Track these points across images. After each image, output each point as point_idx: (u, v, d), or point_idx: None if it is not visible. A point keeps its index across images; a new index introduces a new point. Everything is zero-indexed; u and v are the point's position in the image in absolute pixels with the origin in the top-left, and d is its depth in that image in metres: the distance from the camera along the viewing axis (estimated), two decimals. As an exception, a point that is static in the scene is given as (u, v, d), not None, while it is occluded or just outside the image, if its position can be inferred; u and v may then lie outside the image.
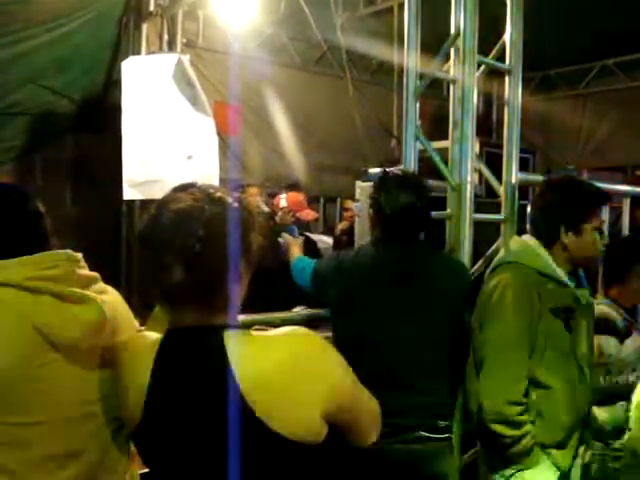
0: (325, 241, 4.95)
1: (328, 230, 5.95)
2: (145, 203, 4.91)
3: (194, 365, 1.24)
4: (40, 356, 1.38)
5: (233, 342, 1.22)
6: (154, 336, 1.34)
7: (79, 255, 1.51)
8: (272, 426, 1.18)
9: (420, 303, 2.17)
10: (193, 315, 1.25)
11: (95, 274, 1.53)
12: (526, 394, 2.02)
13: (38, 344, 1.37)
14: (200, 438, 1.22)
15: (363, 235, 3.80)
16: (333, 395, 1.27)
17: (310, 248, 3.98)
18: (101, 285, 1.54)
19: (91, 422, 1.48)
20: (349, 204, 5.54)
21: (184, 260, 1.19)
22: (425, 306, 2.18)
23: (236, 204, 1.29)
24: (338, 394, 1.29)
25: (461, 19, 2.62)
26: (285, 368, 1.21)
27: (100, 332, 1.44)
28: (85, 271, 1.50)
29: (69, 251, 1.48)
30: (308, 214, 4.29)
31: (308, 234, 4.42)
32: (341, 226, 5.54)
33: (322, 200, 6.40)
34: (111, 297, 1.54)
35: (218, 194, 1.29)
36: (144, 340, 1.36)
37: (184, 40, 5.20)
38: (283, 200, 4.18)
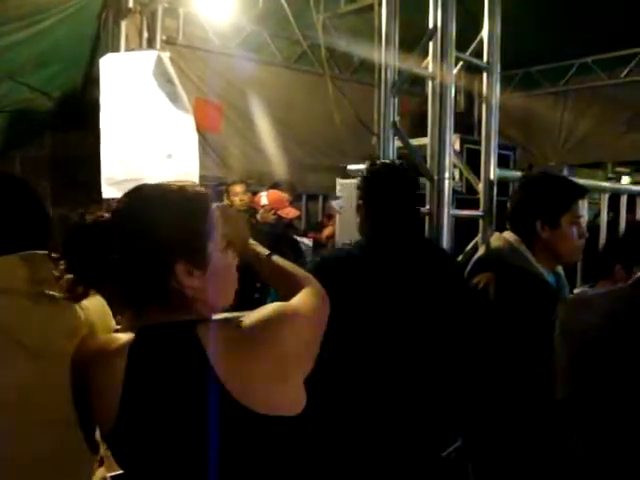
0: (306, 243, 4.95)
1: (310, 227, 5.94)
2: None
3: (170, 361, 1.23)
4: (10, 359, 1.36)
5: (208, 335, 1.23)
6: (125, 336, 1.34)
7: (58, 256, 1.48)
8: (257, 410, 1.21)
9: (411, 302, 2.14)
10: (162, 311, 1.27)
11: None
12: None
13: (7, 347, 1.35)
14: (181, 431, 1.22)
15: (345, 233, 3.80)
16: (311, 357, 1.34)
17: (291, 248, 3.98)
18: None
19: (60, 426, 1.45)
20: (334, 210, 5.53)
21: (156, 255, 1.22)
22: (416, 305, 2.15)
23: (204, 199, 1.31)
24: (313, 351, 1.35)
25: (439, 14, 2.63)
26: (262, 351, 1.23)
27: (76, 335, 1.42)
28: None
29: (52, 252, 1.46)
30: (289, 212, 4.28)
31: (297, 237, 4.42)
32: (327, 232, 5.52)
33: (304, 198, 6.39)
34: (91, 302, 1.51)
35: (190, 189, 1.31)
36: (114, 342, 1.35)
37: (164, 37, 5.15)
38: (264, 198, 4.18)
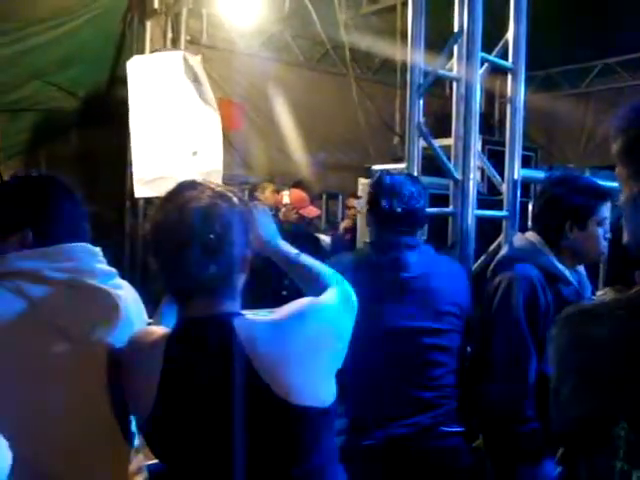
0: (324, 239, 4.99)
1: (330, 227, 5.97)
2: (150, 200, 4.94)
3: (208, 354, 1.27)
4: (52, 346, 1.40)
5: (245, 328, 1.27)
6: (161, 330, 1.38)
7: (98, 249, 1.53)
8: (291, 401, 1.25)
9: (420, 304, 2.17)
10: (203, 305, 1.31)
11: (112, 269, 1.56)
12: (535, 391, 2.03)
13: (48, 334, 1.39)
14: (216, 421, 1.26)
15: (365, 232, 3.83)
16: (340, 352, 1.39)
17: (313, 246, 4.02)
18: (118, 280, 1.56)
19: (97, 414, 1.50)
20: (352, 202, 5.56)
21: (207, 253, 1.26)
22: (426, 307, 2.18)
23: (238, 200, 1.36)
24: (343, 347, 1.40)
25: (465, 15, 2.64)
26: (295, 343, 1.29)
27: (112, 326, 1.47)
28: (103, 265, 1.53)
29: (88, 245, 1.51)
30: (311, 211, 4.32)
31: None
32: (344, 224, 5.56)
33: (324, 197, 6.42)
34: (127, 293, 1.56)
35: (224, 191, 1.36)
36: (152, 334, 1.39)
37: (188, 38, 5.21)
38: (286, 197, 4.22)
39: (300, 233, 3.93)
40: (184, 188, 1.34)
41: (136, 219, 5.25)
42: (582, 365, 1.04)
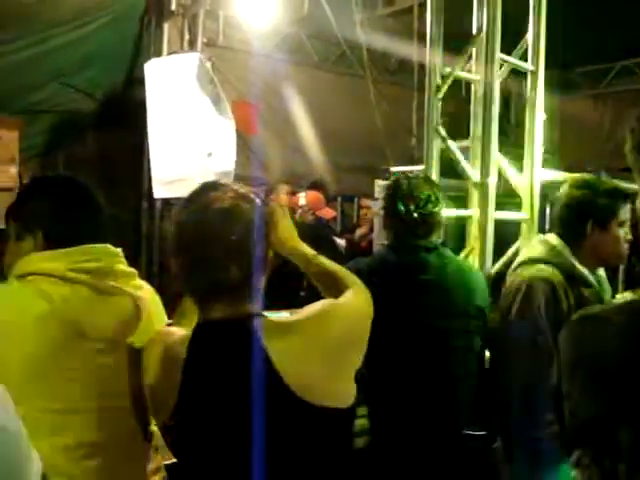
0: (339, 243, 4.99)
1: (345, 229, 5.96)
2: (167, 201, 4.96)
3: (229, 355, 1.27)
4: (73, 345, 1.41)
5: (266, 330, 1.27)
6: (182, 331, 1.38)
7: (119, 250, 1.54)
8: (312, 401, 1.24)
9: (437, 306, 2.17)
10: (224, 306, 1.30)
11: (133, 270, 1.57)
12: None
13: (72, 334, 1.40)
14: (237, 423, 1.25)
15: (382, 234, 3.82)
16: (359, 354, 1.38)
17: (329, 248, 4.01)
18: (138, 281, 1.57)
19: (117, 413, 1.51)
20: (366, 203, 5.55)
21: (229, 254, 1.26)
22: (442, 309, 2.17)
23: (259, 201, 1.37)
24: (362, 348, 1.40)
25: (484, 18, 2.63)
26: (315, 344, 1.29)
27: (133, 327, 1.47)
28: (123, 266, 1.54)
29: (109, 245, 1.52)
30: (327, 212, 4.32)
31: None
32: (359, 232, 5.54)
33: (340, 199, 6.41)
34: (146, 293, 1.57)
35: (246, 192, 1.36)
36: (173, 335, 1.39)
37: (204, 39, 5.23)
38: (302, 198, 4.22)
39: (316, 235, 3.93)
40: (207, 189, 1.35)
41: (152, 220, 5.28)
42: (587, 369, 1.05)
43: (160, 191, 4.37)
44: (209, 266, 1.28)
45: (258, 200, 1.37)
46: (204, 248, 1.28)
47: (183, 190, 4.11)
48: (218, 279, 1.28)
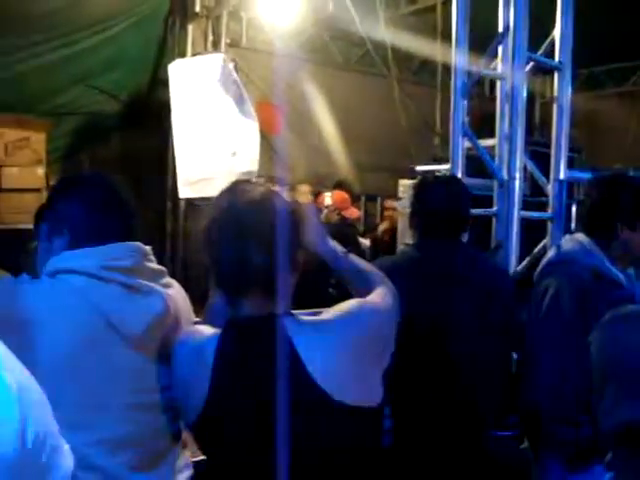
0: (363, 243, 4.98)
1: (369, 228, 5.96)
2: (191, 201, 5.00)
3: (258, 353, 1.28)
4: (104, 342, 1.42)
5: (295, 328, 1.27)
6: (211, 330, 1.39)
7: (148, 248, 1.55)
8: (342, 400, 1.24)
9: (463, 305, 2.15)
10: (254, 304, 1.31)
11: (162, 268, 1.58)
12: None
13: (103, 331, 1.42)
14: (268, 422, 1.26)
15: (406, 233, 3.81)
16: (387, 353, 1.39)
17: (354, 247, 4.01)
18: (168, 279, 1.58)
19: (146, 410, 1.52)
20: (390, 203, 5.54)
21: (261, 246, 1.26)
22: (468, 308, 2.16)
23: (290, 199, 1.38)
24: (390, 347, 1.40)
25: (510, 14, 2.61)
26: (345, 342, 1.28)
27: (163, 325, 1.49)
28: (153, 264, 1.55)
29: (139, 243, 1.53)
30: (352, 212, 4.32)
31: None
32: (382, 227, 5.54)
33: (363, 199, 6.41)
34: (176, 291, 1.58)
35: (277, 190, 1.37)
36: (202, 333, 1.40)
37: (228, 40, 5.26)
38: (328, 198, 4.22)
39: (341, 234, 3.92)
40: (238, 184, 1.36)
41: (177, 220, 5.32)
42: (622, 369, 1.05)
43: (185, 191, 4.41)
44: (240, 257, 1.28)
45: (288, 198, 1.38)
46: (236, 236, 1.28)
47: (207, 190, 4.17)
48: (249, 271, 1.28)
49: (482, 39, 2.77)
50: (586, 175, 3.00)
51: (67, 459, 0.89)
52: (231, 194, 1.34)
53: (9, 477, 0.76)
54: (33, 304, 1.39)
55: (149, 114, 5.21)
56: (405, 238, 3.78)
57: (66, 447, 0.90)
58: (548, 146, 3.03)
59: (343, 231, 4.05)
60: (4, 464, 0.75)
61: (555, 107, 2.82)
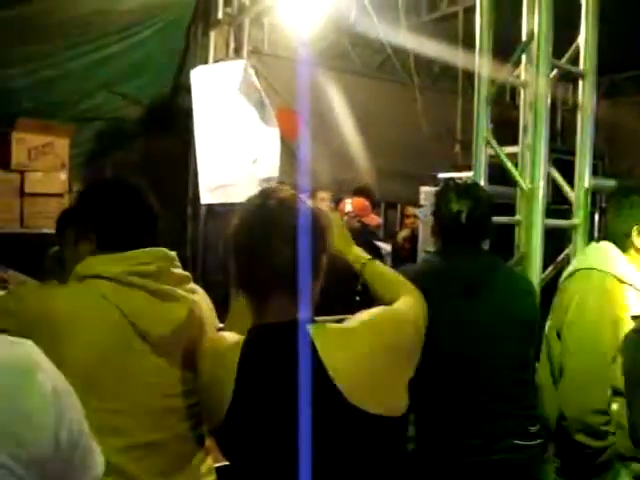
0: (384, 248, 4.97)
1: (389, 236, 5.94)
2: (211, 207, 5.02)
3: (282, 359, 1.28)
4: (130, 347, 1.44)
5: (320, 335, 1.27)
6: (235, 336, 1.40)
7: (174, 254, 1.57)
8: (365, 409, 1.24)
9: (489, 313, 2.14)
10: (279, 309, 1.31)
11: (187, 273, 1.59)
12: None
13: (129, 336, 1.43)
14: (292, 429, 1.26)
15: (427, 241, 3.81)
16: (413, 362, 1.38)
17: (374, 254, 4.01)
18: (192, 285, 1.60)
19: (171, 415, 1.53)
20: (410, 210, 5.53)
21: (287, 246, 1.27)
22: (491, 317, 2.15)
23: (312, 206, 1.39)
24: (416, 356, 1.39)
25: (535, 22, 2.59)
26: (370, 351, 1.28)
27: (188, 330, 1.50)
28: (179, 270, 1.56)
29: (165, 249, 1.54)
30: (373, 219, 4.32)
31: (374, 241, 4.46)
32: (402, 234, 5.53)
33: (383, 205, 6.40)
34: (200, 297, 1.60)
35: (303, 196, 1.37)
36: (226, 339, 1.41)
37: (250, 47, 5.29)
38: (349, 205, 4.22)
39: (360, 241, 3.92)
40: (265, 189, 1.37)
41: (197, 226, 5.35)
42: None
43: (206, 197, 4.44)
44: (266, 259, 1.28)
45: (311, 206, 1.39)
46: (262, 240, 1.29)
47: (228, 196, 4.19)
48: (274, 272, 1.28)
49: (504, 45, 2.76)
50: (610, 183, 2.98)
51: (99, 460, 0.90)
52: (259, 199, 1.35)
53: (44, 477, 0.78)
54: (64, 308, 1.41)
55: (171, 120, 5.25)
56: (427, 245, 3.78)
57: (98, 449, 0.91)
58: (570, 153, 3.01)
59: (361, 238, 4.04)
60: (39, 465, 0.77)
61: (579, 115, 2.80)
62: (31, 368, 0.80)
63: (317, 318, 1.38)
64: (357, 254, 1.67)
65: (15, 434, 0.75)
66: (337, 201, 4.58)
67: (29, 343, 0.84)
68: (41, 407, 0.79)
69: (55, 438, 0.79)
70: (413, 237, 5.00)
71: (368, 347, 1.29)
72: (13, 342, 0.83)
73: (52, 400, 0.80)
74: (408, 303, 1.49)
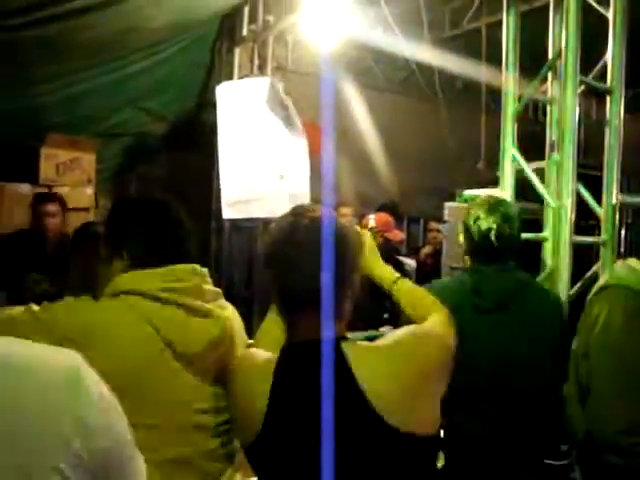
0: (409, 263, 4.95)
1: (411, 251, 5.93)
2: (236, 222, 5.05)
3: (316, 377, 1.28)
4: (162, 362, 1.45)
5: (353, 353, 1.27)
6: (266, 353, 1.40)
7: (205, 270, 1.58)
8: (400, 428, 1.24)
9: (516, 331, 2.13)
10: (311, 326, 1.31)
11: (218, 290, 1.60)
12: None
13: (162, 351, 1.44)
14: (324, 447, 1.26)
15: (451, 256, 3.78)
16: (444, 380, 1.37)
17: (398, 270, 3.99)
18: (223, 301, 1.61)
19: (201, 432, 1.53)
20: (433, 225, 5.51)
21: (320, 266, 1.27)
22: (521, 334, 2.13)
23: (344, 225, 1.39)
24: (446, 374, 1.38)
25: (562, 38, 2.59)
26: (404, 370, 1.28)
27: (220, 347, 1.51)
28: (210, 286, 1.57)
29: (197, 266, 1.56)
30: (396, 235, 4.30)
31: (398, 257, 4.44)
32: (426, 250, 5.50)
33: (406, 221, 6.39)
34: (230, 313, 1.60)
35: (336, 214, 1.38)
36: (258, 357, 1.41)
37: (274, 64, 5.34)
38: (372, 220, 4.21)
39: (385, 256, 3.91)
40: (298, 208, 1.38)
41: (221, 241, 5.38)
42: None
43: (228, 212, 4.46)
44: (300, 275, 1.29)
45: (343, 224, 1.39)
46: (296, 257, 1.30)
47: (250, 211, 4.19)
48: (306, 289, 1.29)
49: (529, 61, 2.77)
50: (637, 199, 2.96)
51: (142, 469, 0.91)
52: (291, 217, 1.36)
53: None
54: (97, 322, 1.43)
55: (195, 135, 5.31)
56: (451, 262, 3.75)
57: (142, 458, 0.92)
58: (595, 168, 2.99)
59: (384, 254, 4.03)
60: (90, 472, 0.78)
61: (607, 130, 2.78)
62: (81, 374, 0.82)
63: (348, 335, 1.38)
64: (386, 272, 1.67)
65: (68, 438, 0.76)
66: (360, 216, 4.58)
67: (73, 351, 0.85)
68: (93, 412, 0.80)
69: (104, 444, 0.81)
70: (436, 252, 4.97)
71: (400, 366, 1.29)
72: (59, 350, 0.84)
73: (101, 406, 0.82)
74: (438, 321, 1.49)
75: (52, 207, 3.75)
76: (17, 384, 0.75)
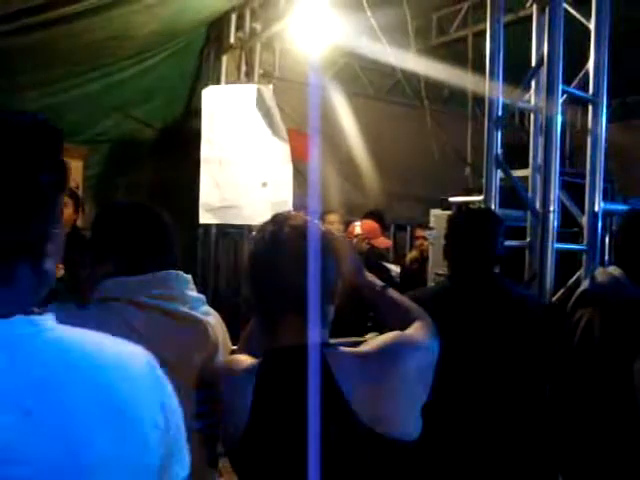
0: (393, 269, 4.97)
1: (398, 258, 5.95)
2: (222, 229, 5.05)
3: (299, 383, 1.28)
4: None
5: (336, 360, 1.28)
6: (249, 359, 1.41)
7: (189, 276, 1.58)
8: (382, 433, 1.25)
9: (498, 337, 2.14)
10: (293, 332, 1.32)
11: (202, 296, 1.60)
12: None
13: None
14: (307, 452, 1.26)
15: (437, 263, 3.80)
16: (426, 386, 1.38)
17: (385, 277, 4.00)
18: (206, 307, 1.61)
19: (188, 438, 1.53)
20: (419, 232, 5.54)
21: (302, 273, 1.28)
22: (503, 340, 2.15)
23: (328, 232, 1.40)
24: (429, 381, 1.39)
25: (545, 47, 2.62)
26: (386, 376, 1.29)
27: (204, 352, 1.51)
28: (194, 292, 1.58)
29: (181, 272, 1.56)
30: (382, 242, 4.32)
31: (384, 263, 4.46)
32: (410, 255, 5.53)
33: (393, 228, 6.41)
34: (214, 319, 1.61)
35: (318, 222, 1.39)
36: (241, 362, 1.42)
37: (261, 71, 5.35)
38: (358, 227, 4.23)
39: (370, 264, 3.93)
40: (279, 217, 1.39)
41: (207, 247, 5.37)
42: None
43: (206, 216, 4.46)
44: (281, 282, 1.30)
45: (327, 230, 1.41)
46: (277, 264, 1.31)
47: (229, 217, 4.17)
48: (288, 295, 1.30)
49: (514, 69, 2.79)
50: (621, 207, 2.99)
51: (187, 460, 0.93)
52: (273, 225, 1.37)
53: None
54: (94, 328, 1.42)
55: (182, 142, 5.30)
56: (436, 268, 3.78)
57: (187, 448, 0.94)
58: (580, 176, 3.02)
59: (370, 261, 4.03)
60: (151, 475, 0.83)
61: (589, 139, 2.81)
62: (155, 365, 0.88)
63: (331, 341, 1.39)
64: (369, 280, 1.68)
65: (157, 420, 0.84)
66: (347, 224, 4.59)
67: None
68: (170, 397, 0.88)
69: (178, 421, 0.89)
70: (422, 259, 5.00)
71: (382, 372, 1.30)
72: (130, 343, 0.89)
73: (171, 391, 0.89)
74: (420, 329, 1.50)
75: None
76: (111, 380, 0.80)
